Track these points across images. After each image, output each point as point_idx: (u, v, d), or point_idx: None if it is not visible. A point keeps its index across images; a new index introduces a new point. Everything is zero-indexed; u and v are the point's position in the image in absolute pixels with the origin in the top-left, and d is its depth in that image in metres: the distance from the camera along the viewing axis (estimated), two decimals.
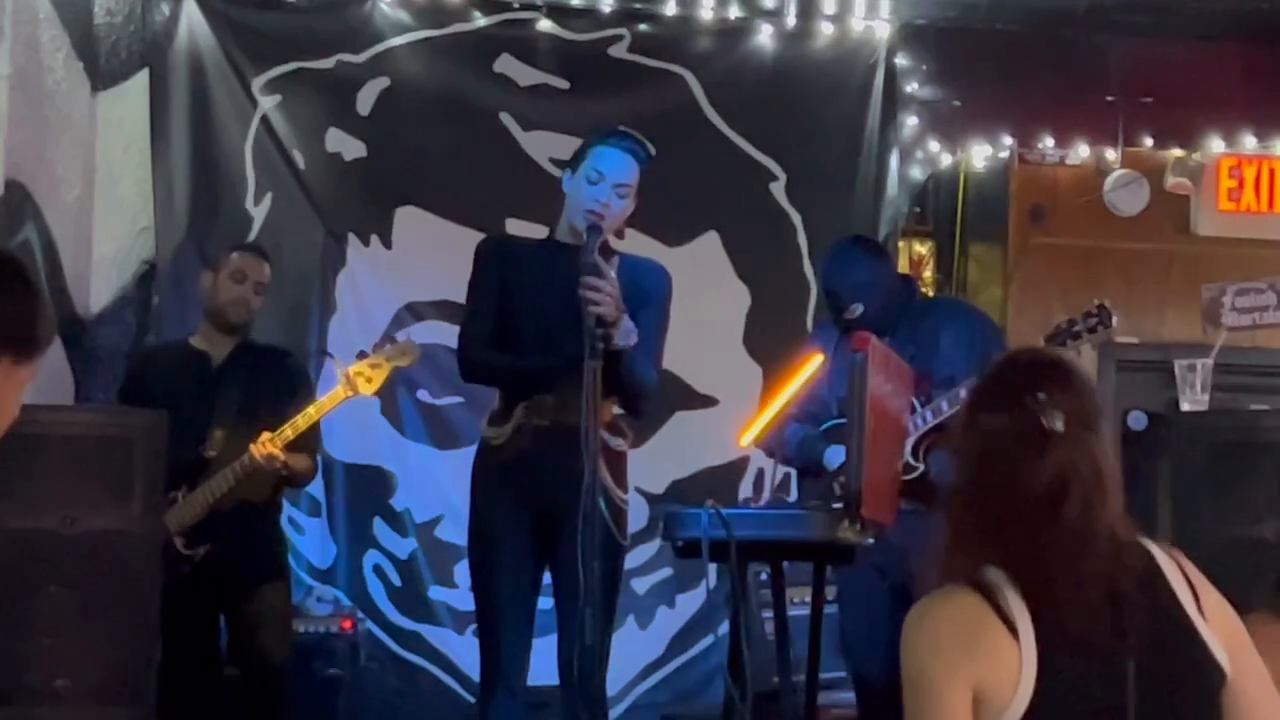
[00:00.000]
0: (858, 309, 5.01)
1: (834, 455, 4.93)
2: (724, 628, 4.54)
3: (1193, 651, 2.41)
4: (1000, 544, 2.41)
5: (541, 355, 4.44)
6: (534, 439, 4.44)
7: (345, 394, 5.32)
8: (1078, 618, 2.34)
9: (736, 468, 6.77)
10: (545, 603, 4.52)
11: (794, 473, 5.57)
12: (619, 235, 4.65)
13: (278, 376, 5.49)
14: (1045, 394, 2.45)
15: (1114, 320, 4.91)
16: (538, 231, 4.98)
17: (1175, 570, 2.47)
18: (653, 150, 4.54)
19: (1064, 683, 2.33)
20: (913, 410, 4.74)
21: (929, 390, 4.87)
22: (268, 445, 5.15)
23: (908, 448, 4.74)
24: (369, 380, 5.35)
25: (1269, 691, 2.49)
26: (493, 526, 4.50)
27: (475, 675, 4.65)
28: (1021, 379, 2.50)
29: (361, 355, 5.42)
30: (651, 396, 4.55)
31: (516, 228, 6.41)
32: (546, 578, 4.55)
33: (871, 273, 5.11)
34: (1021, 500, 2.41)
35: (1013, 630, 2.34)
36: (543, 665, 4.50)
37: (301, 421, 5.24)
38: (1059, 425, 2.42)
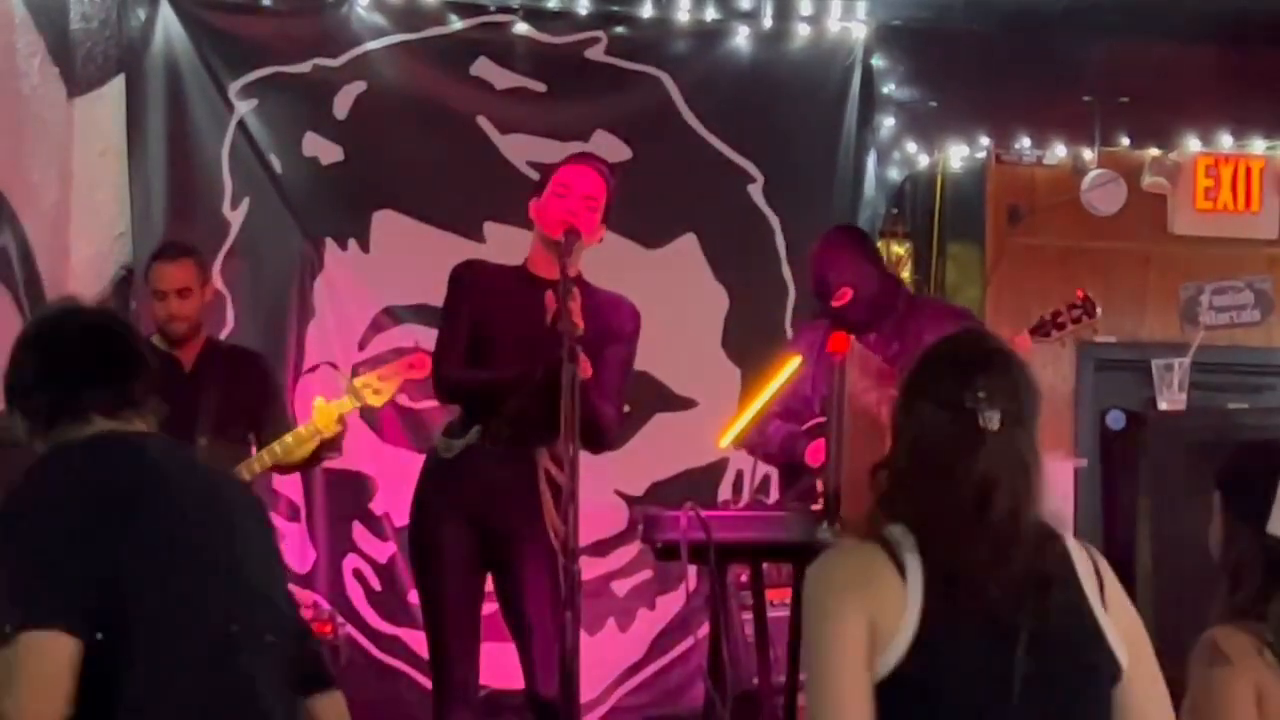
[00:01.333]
0: (847, 294, 5.00)
1: (815, 452, 4.94)
2: (704, 629, 4.55)
3: (1090, 642, 2.43)
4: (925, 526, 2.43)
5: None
6: (485, 461, 4.50)
7: (351, 405, 5.30)
8: (970, 572, 2.36)
9: (716, 469, 6.75)
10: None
11: (774, 474, 5.57)
12: (598, 240, 4.68)
13: (253, 382, 5.49)
14: (984, 391, 2.44)
15: (1098, 311, 4.94)
16: (515, 236, 4.97)
17: (1087, 563, 2.48)
18: (614, 166, 4.59)
19: (948, 629, 2.35)
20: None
21: None
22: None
23: None
24: (377, 392, 5.32)
25: (1159, 693, 2.51)
26: (436, 539, 4.59)
27: None
28: (961, 371, 2.49)
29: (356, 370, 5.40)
30: (608, 431, 4.58)
31: (494, 231, 6.42)
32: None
33: (861, 258, 5.12)
34: (951, 493, 2.41)
35: (901, 570, 2.37)
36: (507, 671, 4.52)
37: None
38: (994, 425, 2.42)
